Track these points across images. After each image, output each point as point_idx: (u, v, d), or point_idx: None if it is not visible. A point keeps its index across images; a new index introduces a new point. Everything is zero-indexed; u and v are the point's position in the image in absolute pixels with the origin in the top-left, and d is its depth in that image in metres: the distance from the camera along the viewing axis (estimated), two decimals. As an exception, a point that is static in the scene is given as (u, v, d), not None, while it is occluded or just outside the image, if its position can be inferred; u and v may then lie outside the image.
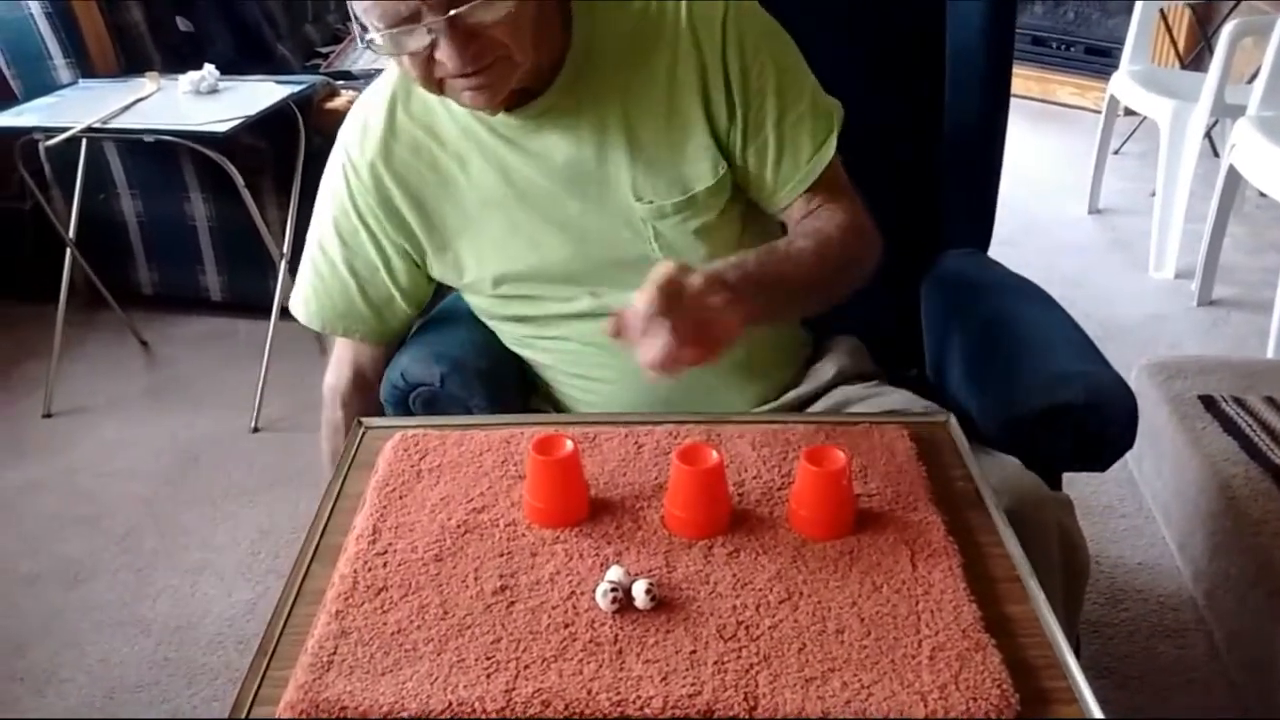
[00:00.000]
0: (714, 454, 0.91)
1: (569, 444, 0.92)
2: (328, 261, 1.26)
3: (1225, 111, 3.04)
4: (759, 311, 1.01)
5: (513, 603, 0.83)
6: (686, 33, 1.14)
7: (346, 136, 1.24)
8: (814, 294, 1.15)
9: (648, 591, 0.83)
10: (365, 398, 1.32)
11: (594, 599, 0.83)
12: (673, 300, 0.90)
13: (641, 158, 1.16)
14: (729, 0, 1.15)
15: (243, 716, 0.76)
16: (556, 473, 0.92)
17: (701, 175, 1.17)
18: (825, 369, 1.30)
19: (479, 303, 1.29)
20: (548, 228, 1.19)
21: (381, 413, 1.27)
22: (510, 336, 1.31)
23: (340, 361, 1.34)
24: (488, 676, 0.76)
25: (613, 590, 0.83)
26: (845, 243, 1.16)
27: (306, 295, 1.30)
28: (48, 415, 2.50)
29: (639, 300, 0.91)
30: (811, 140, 1.18)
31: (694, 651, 0.79)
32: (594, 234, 1.19)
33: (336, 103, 2.63)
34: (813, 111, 1.18)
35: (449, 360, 1.24)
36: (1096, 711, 0.75)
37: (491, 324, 1.31)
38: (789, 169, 1.18)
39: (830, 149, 1.19)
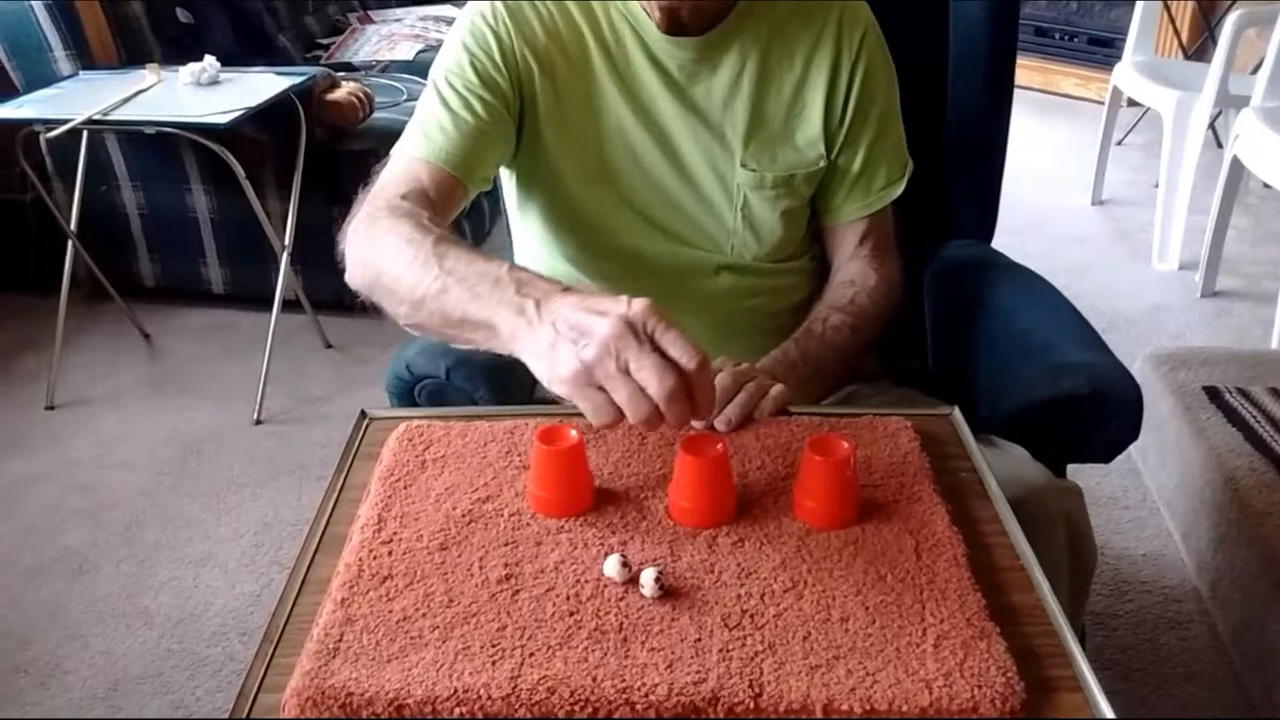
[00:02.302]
0: (718, 444, 0.91)
1: (573, 434, 0.92)
2: (453, 92, 1.18)
3: (1229, 102, 3.03)
4: (798, 399, 1.09)
5: (518, 591, 0.83)
6: (833, 26, 1.23)
7: None
8: (845, 367, 1.24)
9: (657, 580, 0.83)
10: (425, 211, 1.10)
11: (599, 585, 0.83)
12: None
13: (759, 126, 1.22)
14: (870, 19, 1.26)
15: (249, 702, 0.76)
16: (561, 463, 0.92)
17: (806, 160, 1.24)
18: None
19: (557, 201, 1.24)
20: (654, 155, 1.22)
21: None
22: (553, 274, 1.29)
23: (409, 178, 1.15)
24: (493, 663, 0.76)
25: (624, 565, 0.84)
26: (878, 308, 1.27)
27: (413, 126, 1.20)
28: (50, 407, 2.51)
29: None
30: (887, 174, 1.28)
31: (699, 639, 0.79)
32: (688, 181, 1.23)
33: (337, 94, 2.63)
34: (895, 152, 1.29)
35: (454, 353, 1.24)
36: (1101, 699, 0.75)
37: (542, 255, 1.29)
38: (861, 190, 1.28)
39: (899, 188, 1.29)
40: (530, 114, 1.22)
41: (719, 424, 1.01)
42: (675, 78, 1.21)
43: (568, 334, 0.84)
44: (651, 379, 0.81)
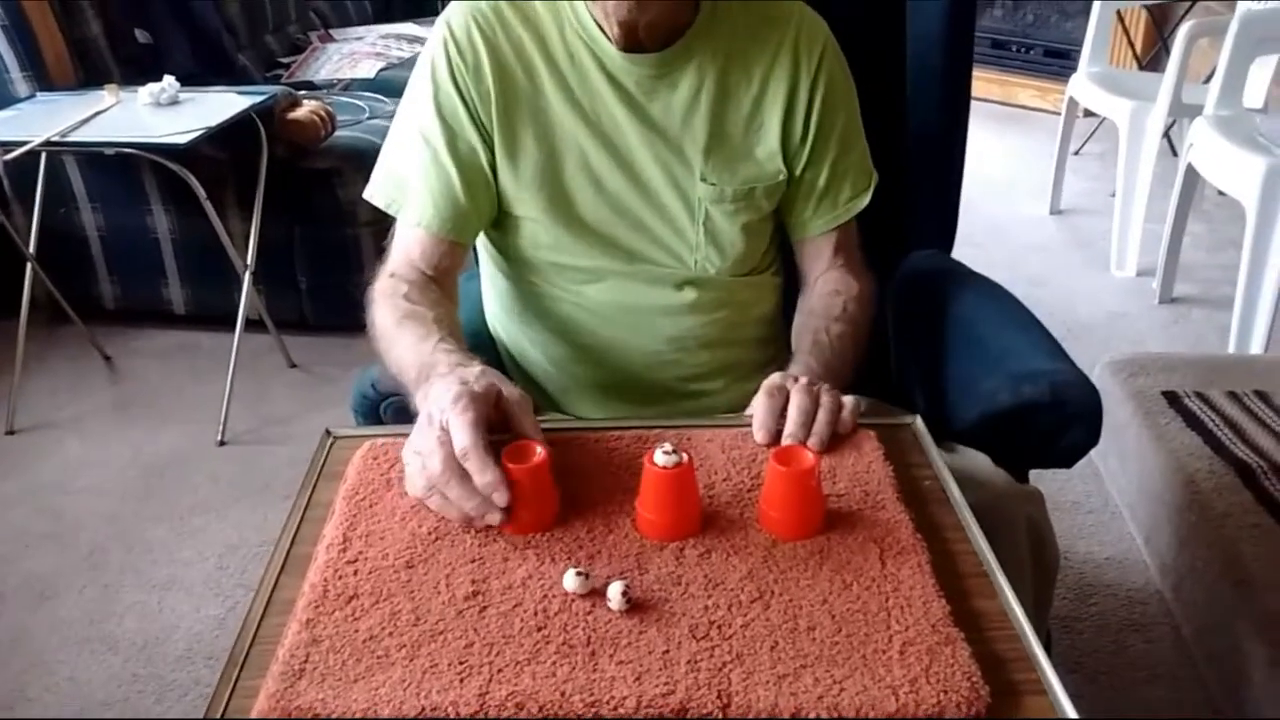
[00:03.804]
0: (684, 456, 0.91)
1: (540, 450, 0.92)
2: (428, 149, 1.21)
3: (1183, 111, 3.09)
4: None
5: (485, 607, 0.83)
6: (790, 46, 1.25)
7: (450, 14, 1.23)
8: (851, 377, 1.22)
9: (624, 593, 0.83)
10: (432, 290, 1.20)
11: (566, 600, 0.83)
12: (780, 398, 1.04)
13: (718, 140, 1.23)
14: (828, 36, 1.27)
15: (214, 727, 0.75)
16: (528, 479, 0.92)
17: (765, 174, 1.25)
18: None
19: (517, 232, 1.26)
20: (614, 175, 1.22)
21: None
22: (519, 288, 1.31)
23: (410, 260, 1.22)
24: (461, 681, 0.76)
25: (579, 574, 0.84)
26: (866, 316, 1.28)
27: (398, 184, 1.23)
28: (10, 432, 2.47)
29: (759, 405, 1.04)
30: (852, 188, 1.30)
31: (667, 651, 0.79)
32: (649, 198, 1.23)
33: (298, 113, 2.62)
34: (859, 165, 1.31)
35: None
36: (1066, 703, 0.76)
37: (507, 269, 1.30)
38: (828, 205, 1.29)
39: (864, 201, 1.31)
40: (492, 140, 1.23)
41: (813, 444, 1.01)
42: (633, 94, 1.21)
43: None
44: (428, 463, 0.91)
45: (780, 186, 1.26)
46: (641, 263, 1.25)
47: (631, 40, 1.18)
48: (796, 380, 1.05)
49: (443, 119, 1.21)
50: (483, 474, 0.88)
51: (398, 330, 1.12)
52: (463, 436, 0.89)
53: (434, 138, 1.21)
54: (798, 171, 1.27)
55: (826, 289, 1.29)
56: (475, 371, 0.98)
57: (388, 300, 1.16)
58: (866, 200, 1.31)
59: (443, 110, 1.21)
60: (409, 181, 1.22)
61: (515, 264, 1.29)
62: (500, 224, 1.27)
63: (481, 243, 1.33)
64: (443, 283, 1.22)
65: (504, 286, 1.33)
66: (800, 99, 1.24)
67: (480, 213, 1.24)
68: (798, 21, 1.25)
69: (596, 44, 1.20)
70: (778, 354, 1.32)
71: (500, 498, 0.89)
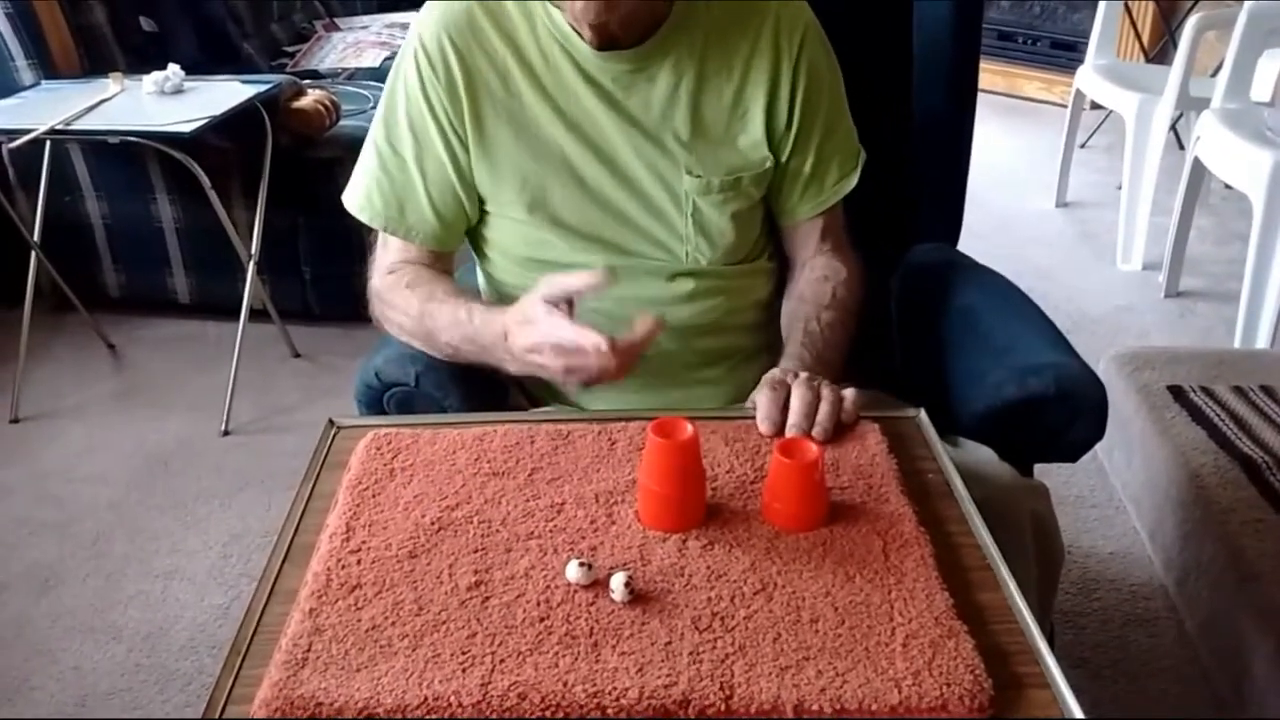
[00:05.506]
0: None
1: (689, 427, 0.91)
2: (398, 159, 1.24)
3: (1190, 104, 3.07)
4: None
5: (487, 598, 0.83)
6: (769, 32, 1.23)
7: (421, 23, 1.23)
8: (844, 364, 1.23)
9: (626, 584, 0.83)
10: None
11: (568, 590, 0.83)
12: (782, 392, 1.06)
13: (701, 133, 1.22)
14: (809, 19, 1.26)
15: (217, 714, 0.75)
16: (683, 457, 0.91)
17: (751, 163, 1.24)
18: None
19: (505, 233, 1.27)
20: (597, 172, 1.22)
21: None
22: (514, 283, 1.29)
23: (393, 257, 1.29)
24: (463, 671, 0.76)
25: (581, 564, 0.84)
26: (856, 300, 1.28)
27: (370, 194, 1.27)
28: (14, 420, 2.47)
29: (762, 398, 1.05)
30: (839, 169, 1.29)
31: (669, 643, 0.79)
32: (635, 194, 1.23)
33: (303, 102, 2.61)
34: (845, 146, 1.30)
35: (424, 360, 1.24)
36: (1069, 697, 0.76)
37: (502, 265, 1.30)
38: (814, 190, 1.29)
39: (852, 182, 1.30)
40: (466, 149, 1.23)
41: (817, 434, 1.01)
42: (610, 91, 1.20)
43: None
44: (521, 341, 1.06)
45: (768, 174, 1.26)
46: (632, 257, 1.24)
47: (605, 38, 1.17)
48: (796, 375, 1.06)
49: (414, 133, 1.23)
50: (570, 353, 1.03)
51: (419, 320, 1.20)
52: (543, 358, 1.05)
53: (405, 151, 1.23)
54: (784, 158, 1.26)
55: (815, 274, 1.29)
56: (513, 311, 1.10)
57: (395, 294, 1.23)
58: (854, 181, 1.30)
59: (414, 125, 1.23)
60: (386, 191, 1.25)
61: (508, 261, 1.29)
62: (488, 226, 1.27)
63: (477, 256, 1.33)
64: (439, 268, 1.26)
65: (500, 281, 1.32)
66: (783, 86, 1.23)
67: (454, 226, 1.26)
68: (777, 8, 1.24)
69: (570, 43, 1.19)
70: (776, 338, 1.31)
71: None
